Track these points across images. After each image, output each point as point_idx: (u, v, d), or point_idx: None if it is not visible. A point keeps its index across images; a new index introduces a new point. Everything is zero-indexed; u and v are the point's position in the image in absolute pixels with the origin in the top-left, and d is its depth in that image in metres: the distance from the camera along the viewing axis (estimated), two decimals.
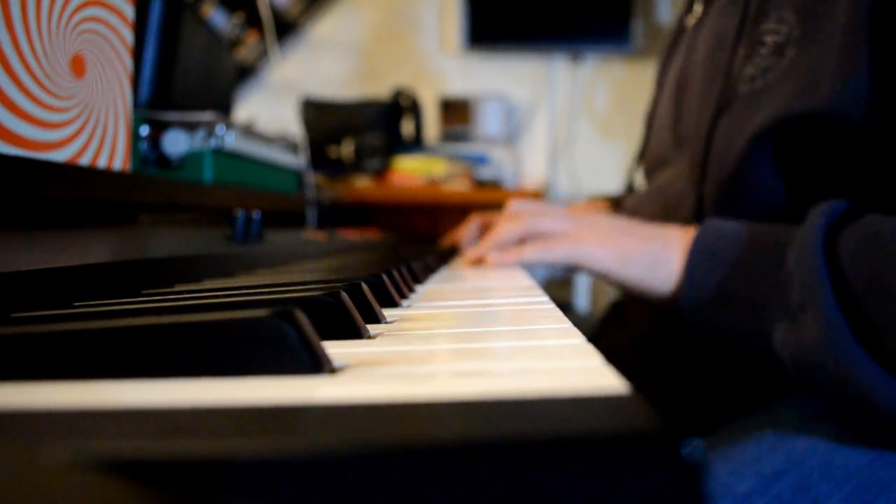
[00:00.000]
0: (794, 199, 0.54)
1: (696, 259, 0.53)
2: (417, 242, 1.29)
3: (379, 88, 2.21)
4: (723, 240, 0.53)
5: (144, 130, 0.64)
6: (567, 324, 0.31)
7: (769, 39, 0.56)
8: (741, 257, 0.51)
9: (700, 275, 0.53)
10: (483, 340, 0.28)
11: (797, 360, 0.45)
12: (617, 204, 0.93)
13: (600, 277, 0.61)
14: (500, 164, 2.23)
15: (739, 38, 0.60)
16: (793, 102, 0.52)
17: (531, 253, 0.63)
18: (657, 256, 0.57)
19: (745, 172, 0.56)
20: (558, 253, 0.61)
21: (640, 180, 0.90)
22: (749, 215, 0.55)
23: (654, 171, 0.75)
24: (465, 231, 0.93)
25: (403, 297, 0.45)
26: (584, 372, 0.21)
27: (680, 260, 0.56)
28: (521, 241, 0.67)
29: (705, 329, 0.54)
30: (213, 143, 0.68)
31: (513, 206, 0.73)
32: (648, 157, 0.79)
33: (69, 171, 0.43)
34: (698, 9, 0.72)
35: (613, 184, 2.32)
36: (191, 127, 0.67)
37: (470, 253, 0.72)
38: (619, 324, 0.79)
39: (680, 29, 0.77)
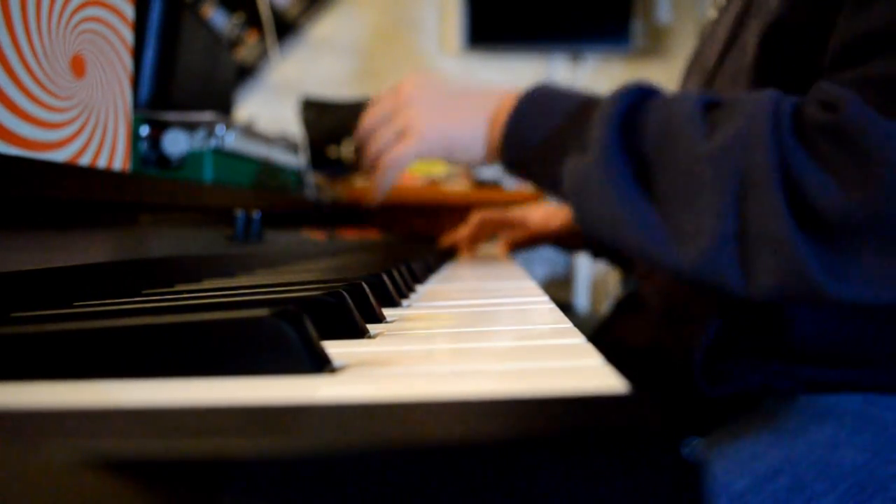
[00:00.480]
0: None
1: (522, 107, 0.60)
2: (417, 242, 1.29)
3: (379, 88, 2.20)
4: (549, 92, 0.61)
5: (144, 130, 0.64)
6: (567, 324, 0.31)
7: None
8: (561, 107, 0.58)
9: (520, 119, 0.60)
10: (483, 340, 0.28)
11: (576, 184, 0.53)
12: None
13: (430, 145, 0.68)
14: None
15: (749, 9, 0.62)
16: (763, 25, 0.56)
17: (386, 181, 0.73)
18: (474, 131, 0.65)
19: None
20: (404, 156, 0.70)
21: None
22: None
23: None
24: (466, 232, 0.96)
25: (403, 296, 0.45)
26: (584, 371, 0.21)
27: (503, 115, 0.63)
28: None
29: (519, 166, 0.62)
30: (213, 143, 0.68)
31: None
32: None
33: (69, 171, 0.43)
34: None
35: None
36: (191, 127, 0.67)
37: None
38: (632, 312, 0.79)
39: (708, 28, 0.77)
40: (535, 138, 0.59)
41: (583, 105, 0.57)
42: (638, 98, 0.53)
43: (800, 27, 0.53)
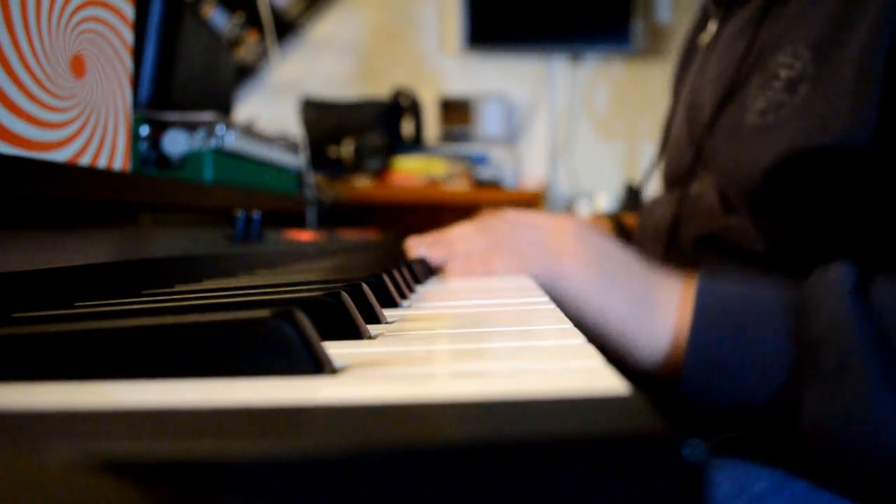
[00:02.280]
0: (802, 239, 0.54)
1: (704, 316, 0.46)
2: None
3: (379, 88, 2.21)
4: (729, 301, 0.46)
5: (144, 130, 0.64)
6: (567, 324, 0.31)
7: (783, 73, 0.55)
8: (753, 319, 0.45)
9: (707, 335, 0.45)
10: (483, 341, 0.28)
11: (832, 430, 0.40)
12: (617, 221, 0.90)
13: (574, 306, 0.51)
14: (500, 164, 2.24)
15: (743, 65, 0.59)
16: (803, 139, 0.50)
17: (502, 266, 0.56)
18: (644, 293, 0.50)
19: (759, 205, 0.54)
20: (534, 268, 0.54)
21: (649, 192, 0.89)
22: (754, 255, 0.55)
23: (676, 185, 0.72)
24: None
25: (403, 297, 0.45)
26: (585, 372, 0.21)
27: (676, 312, 0.49)
28: (489, 252, 0.59)
29: (705, 400, 0.46)
30: (213, 143, 0.68)
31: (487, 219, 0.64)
32: (667, 171, 0.77)
33: (69, 171, 0.43)
34: (712, 27, 0.71)
35: (613, 184, 2.31)
36: (191, 127, 0.67)
37: (419, 249, 0.63)
38: None
39: (692, 44, 0.76)
40: (739, 376, 0.44)
41: (785, 320, 0.44)
42: (860, 300, 0.40)
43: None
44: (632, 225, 0.88)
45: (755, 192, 0.54)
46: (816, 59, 0.52)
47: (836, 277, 0.42)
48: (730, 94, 0.60)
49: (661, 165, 0.79)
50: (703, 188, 0.64)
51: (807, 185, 0.51)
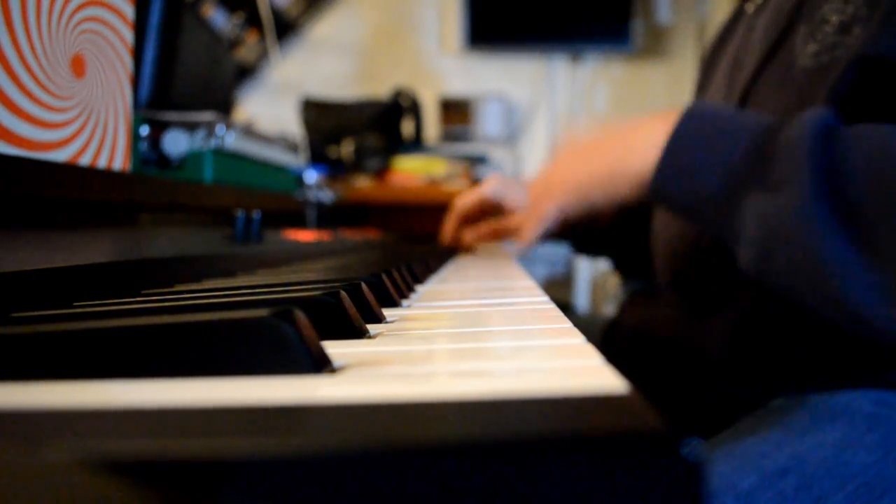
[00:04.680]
0: None
1: (681, 133, 0.53)
2: (417, 242, 1.29)
3: (379, 88, 2.21)
4: (706, 117, 0.53)
5: (144, 130, 0.64)
6: (567, 324, 0.31)
7: (834, 18, 0.56)
8: (721, 132, 0.51)
9: (680, 148, 0.53)
10: (483, 340, 0.28)
11: (767, 229, 0.46)
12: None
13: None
14: (500, 164, 2.23)
15: (798, 13, 0.60)
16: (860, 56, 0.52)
17: (533, 234, 0.72)
18: (617, 168, 0.60)
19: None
20: (546, 218, 0.69)
21: None
22: None
23: None
24: (450, 229, 0.99)
25: (403, 297, 0.45)
26: (584, 372, 0.21)
27: (644, 153, 0.57)
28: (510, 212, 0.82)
29: (669, 199, 0.54)
30: (213, 143, 0.68)
31: (489, 187, 0.86)
32: None
33: (69, 171, 0.43)
34: None
35: None
36: (191, 127, 0.67)
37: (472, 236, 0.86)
38: (644, 306, 0.79)
39: (737, 15, 0.77)
40: (701, 172, 0.51)
41: (756, 134, 0.50)
42: (827, 129, 0.46)
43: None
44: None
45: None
46: (868, 2, 0.54)
47: (812, 115, 0.46)
48: (777, 43, 0.61)
49: None
50: None
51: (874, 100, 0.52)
